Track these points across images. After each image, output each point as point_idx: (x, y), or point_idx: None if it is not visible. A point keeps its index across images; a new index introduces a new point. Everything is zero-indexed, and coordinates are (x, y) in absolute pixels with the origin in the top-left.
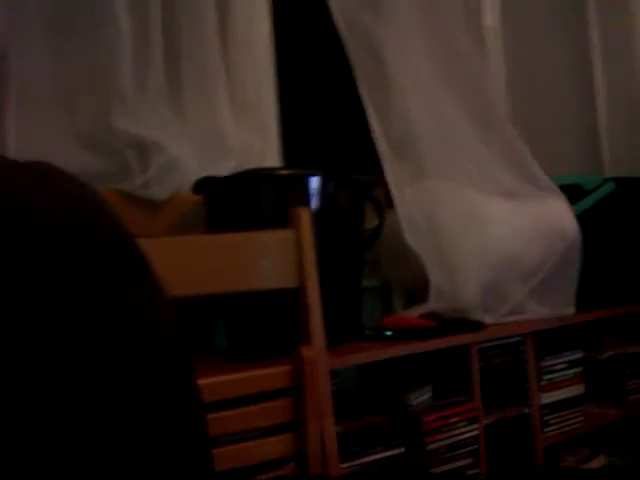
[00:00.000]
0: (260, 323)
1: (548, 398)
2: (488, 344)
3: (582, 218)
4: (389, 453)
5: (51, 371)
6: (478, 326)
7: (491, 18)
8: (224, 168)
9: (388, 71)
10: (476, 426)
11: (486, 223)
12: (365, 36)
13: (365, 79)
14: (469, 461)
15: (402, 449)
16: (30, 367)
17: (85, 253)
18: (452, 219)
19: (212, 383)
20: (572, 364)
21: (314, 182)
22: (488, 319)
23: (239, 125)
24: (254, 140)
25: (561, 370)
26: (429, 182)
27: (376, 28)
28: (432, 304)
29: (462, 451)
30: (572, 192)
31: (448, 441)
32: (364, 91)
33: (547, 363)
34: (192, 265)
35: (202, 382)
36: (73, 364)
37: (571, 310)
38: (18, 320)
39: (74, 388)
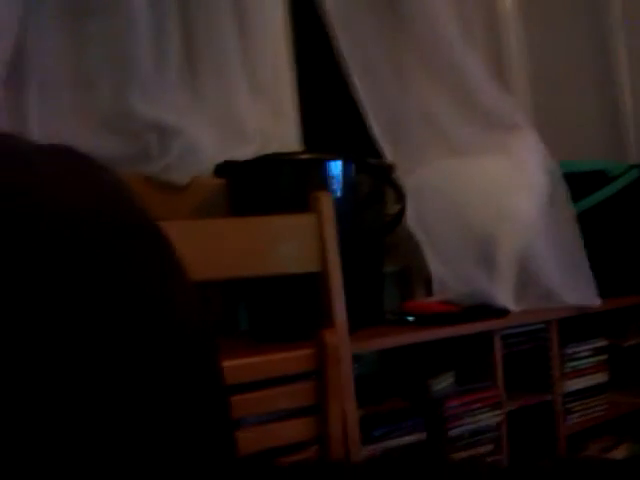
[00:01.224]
0: (283, 307)
1: (572, 386)
2: (512, 331)
3: (606, 204)
4: (410, 438)
5: (67, 355)
6: (501, 313)
7: (509, 2)
8: (243, 152)
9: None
10: (498, 412)
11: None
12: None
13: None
14: (491, 448)
15: (424, 434)
16: (44, 352)
17: (105, 235)
18: (467, 200)
19: (235, 366)
20: (596, 352)
21: (335, 167)
22: (514, 306)
23: (257, 109)
24: (272, 124)
25: (585, 358)
26: (437, 164)
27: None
28: (440, 294)
29: (484, 437)
30: (596, 178)
31: (470, 427)
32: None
33: (571, 350)
34: (214, 249)
35: (226, 365)
36: (92, 346)
37: (597, 301)
38: (33, 304)
39: (93, 369)
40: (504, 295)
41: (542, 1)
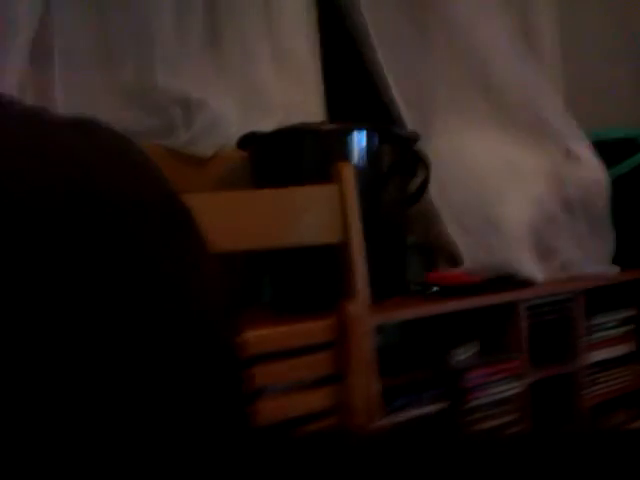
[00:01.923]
0: (305, 278)
1: (597, 356)
2: (537, 302)
3: (636, 172)
4: (431, 408)
5: (87, 332)
6: (525, 283)
7: None
8: (267, 124)
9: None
10: (520, 383)
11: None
12: None
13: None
14: (513, 418)
15: (444, 405)
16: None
17: (126, 205)
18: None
19: (257, 336)
20: (623, 322)
21: (358, 137)
22: (539, 275)
23: (281, 81)
24: (296, 96)
25: (611, 328)
26: (458, 136)
27: None
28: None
29: (505, 408)
30: (626, 146)
31: (491, 398)
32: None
33: (597, 321)
34: (237, 220)
35: (247, 335)
36: (109, 323)
37: (615, 269)
38: (50, 270)
39: (110, 342)
40: (528, 265)
41: None
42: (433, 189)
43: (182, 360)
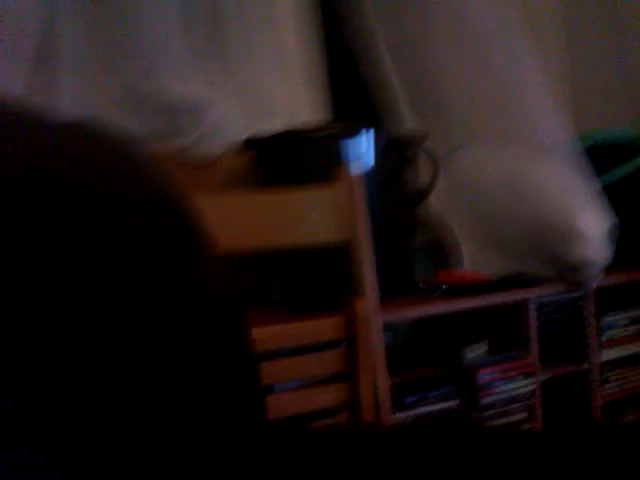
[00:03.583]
0: (314, 277)
1: (609, 355)
2: (547, 300)
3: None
4: (442, 406)
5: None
6: (535, 282)
7: None
8: (272, 126)
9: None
10: (532, 381)
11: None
12: None
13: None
14: (524, 416)
15: (455, 402)
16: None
17: (125, 209)
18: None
19: (267, 333)
20: (634, 321)
21: (365, 137)
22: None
23: (286, 82)
24: (301, 97)
25: (623, 327)
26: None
27: None
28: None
29: (517, 406)
30: (632, 147)
31: (502, 396)
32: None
33: (608, 319)
34: (244, 221)
35: (257, 332)
36: (118, 323)
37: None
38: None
39: (119, 343)
40: (535, 264)
41: None
42: (441, 191)
43: (195, 357)
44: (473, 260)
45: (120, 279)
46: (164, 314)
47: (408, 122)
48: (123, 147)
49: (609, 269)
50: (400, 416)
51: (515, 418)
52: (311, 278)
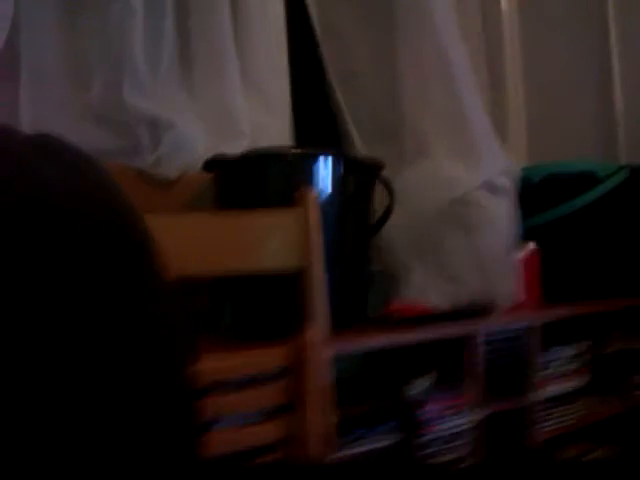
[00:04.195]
0: (265, 304)
1: (550, 391)
2: (494, 331)
3: (595, 206)
4: (384, 442)
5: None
6: (482, 314)
7: (508, 2)
8: (235, 147)
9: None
10: (473, 417)
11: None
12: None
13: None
14: (466, 452)
15: (398, 438)
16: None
17: (79, 224)
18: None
19: (209, 364)
20: (577, 355)
21: (323, 163)
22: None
23: (250, 104)
24: (265, 120)
25: (566, 362)
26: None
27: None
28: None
29: (458, 442)
30: (586, 180)
31: (444, 432)
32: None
33: (552, 355)
34: (198, 243)
35: (199, 365)
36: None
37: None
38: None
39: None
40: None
41: (538, 2)
42: (395, 219)
43: (129, 389)
44: (423, 291)
45: (60, 298)
46: (97, 339)
47: (362, 150)
48: (84, 163)
49: (558, 302)
50: (344, 452)
51: (457, 454)
52: (263, 305)
